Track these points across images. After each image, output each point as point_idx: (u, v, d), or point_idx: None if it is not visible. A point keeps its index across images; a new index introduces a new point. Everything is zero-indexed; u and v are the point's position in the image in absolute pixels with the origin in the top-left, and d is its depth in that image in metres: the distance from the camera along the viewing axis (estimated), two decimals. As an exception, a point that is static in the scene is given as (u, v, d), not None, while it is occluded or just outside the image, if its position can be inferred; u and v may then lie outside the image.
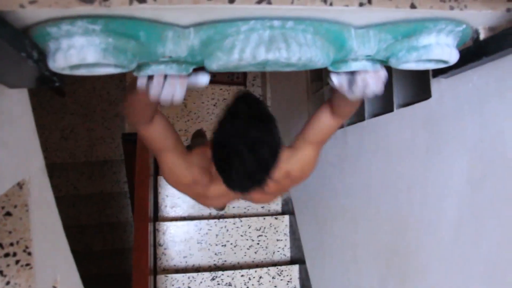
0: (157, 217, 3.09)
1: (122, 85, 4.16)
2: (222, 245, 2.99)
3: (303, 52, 0.79)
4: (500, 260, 0.99)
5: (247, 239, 3.01)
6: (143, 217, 2.44)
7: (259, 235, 3.02)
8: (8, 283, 0.93)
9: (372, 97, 1.00)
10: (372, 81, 0.94)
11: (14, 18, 0.68)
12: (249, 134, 1.08)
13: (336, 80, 0.99)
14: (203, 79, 0.90)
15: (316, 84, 2.50)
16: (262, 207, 3.22)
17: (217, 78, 3.84)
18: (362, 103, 1.76)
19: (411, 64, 0.91)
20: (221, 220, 2.99)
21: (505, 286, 0.98)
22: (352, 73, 0.97)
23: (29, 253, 0.95)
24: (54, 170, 3.98)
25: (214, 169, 1.18)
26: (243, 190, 1.20)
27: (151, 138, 1.21)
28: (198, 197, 1.52)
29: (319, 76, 2.46)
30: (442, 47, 0.86)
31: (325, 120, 1.29)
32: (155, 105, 1.08)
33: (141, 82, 0.89)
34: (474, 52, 0.96)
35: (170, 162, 1.30)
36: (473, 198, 1.08)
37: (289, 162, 1.36)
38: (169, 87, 0.87)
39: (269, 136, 1.11)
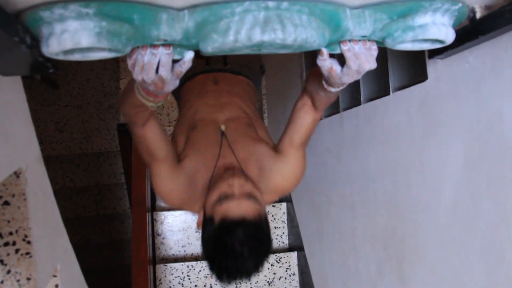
0: (154, 207, 3.09)
1: (116, 76, 4.14)
2: (220, 234, 2.99)
3: (299, 33, 0.78)
4: (497, 240, 1.00)
5: (245, 227, 3.01)
6: (141, 208, 2.44)
7: (257, 223, 3.03)
8: (9, 271, 0.93)
9: (365, 73, 0.97)
10: (365, 58, 0.92)
11: (5, 2, 0.67)
12: (246, 267, 1.14)
13: (326, 62, 0.95)
14: (188, 54, 0.87)
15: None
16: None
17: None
18: (357, 87, 1.76)
19: (407, 44, 0.90)
20: (218, 209, 2.99)
21: (502, 266, 0.99)
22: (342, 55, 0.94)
23: (29, 242, 0.95)
24: (49, 162, 3.97)
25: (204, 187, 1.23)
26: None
27: (144, 141, 1.17)
28: (183, 207, 1.42)
29: (314, 64, 2.46)
30: (438, 27, 0.85)
31: (308, 116, 1.23)
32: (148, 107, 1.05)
33: (130, 62, 0.86)
34: (470, 32, 0.96)
35: (160, 174, 1.24)
36: (470, 179, 1.09)
37: (279, 173, 1.29)
38: (151, 55, 0.83)
39: (265, 255, 1.19)
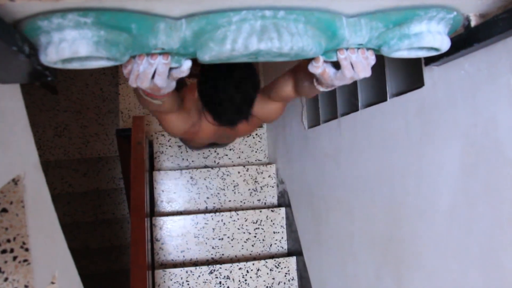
0: (153, 212, 3.09)
1: (115, 81, 4.15)
2: (219, 239, 2.99)
3: (295, 41, 0.79)
4: (493, 244, 1.01)
5: (244, 232, 3.02)
6: (140, 213, 2.44)
7: (256, 228, 3.03)
8: (6, 279, 0.93)
9: (360, 79, 0.98)
10: (362, 67, 0.93)
11: (3, 12, 0.67)
12: (234, 75, 1.29)
13: (320, 67, 0.96)
14: (186, 63, 0.89)
15: (309, 76, 2.50)
16: (258, 200, 3.23)
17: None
18: (355, 93, 1.76)
19: (403, 52, 0.91)
20: (217, 213, 2.99)
21: (498, 269, 0.99)
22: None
23: (27, 249, 0.95)
24: (48, 168, 3.97)
25: (204, 110, 1.42)
26: (232, 124, 1.41)
27: (160, 111, 1.32)
28: (190, 138, 1.69)
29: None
30: (433, 35, 0.86)
31: (287, 91, 1.38)
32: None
33: (125, 71, 0.88)
34: (465, 39, 0.97)
35: (172, 121, 1.44)
36: (466, 184, 1.09)
37: (259, 107, 1.52)
38: (147, 64, 0.85)
39: (250, 74, 1.34)
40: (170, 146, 3.31)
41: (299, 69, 1.27)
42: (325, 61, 0.96)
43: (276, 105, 1.57)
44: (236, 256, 3.01)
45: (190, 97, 1.55)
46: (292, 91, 1.37)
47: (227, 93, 1.30)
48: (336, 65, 0.97)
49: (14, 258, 0.95)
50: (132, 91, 3.71)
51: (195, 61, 0.89)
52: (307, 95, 1.32)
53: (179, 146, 3.31)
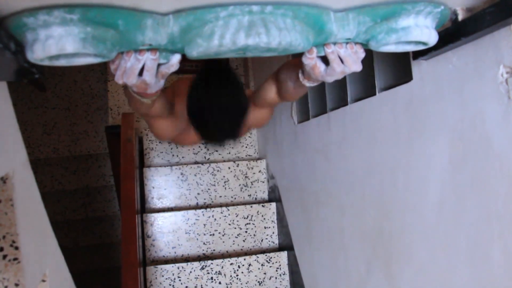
0: (144, 209, 3.08)
1: (103, 77, 4.12)
2: (211, 235, 3.00)
3: (283, 36, 0.79)
4: (481, 238, 1.02)
5: (235, 228, 3.02)
6: (130, 210, 2.43)
7: (247, 223, 3.04)
8: (-5, 278, 0.92)
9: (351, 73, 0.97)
10: (352, 60, 0.93)
11: (-11, 9, 0.67)
12: (222, 101, 1.23)
13: (312, 61, 0.96)
14: (175, 57, 0.88)
15: (299, 71, 2.50)
16: (249, 196, 3.24)
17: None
18: (344, 88, 1.77)
19: (390, 46, 0.91)
20: (208, 209, 2.99)
21: (486, 262, 1.00)
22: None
23: (16, 248, 0.95)
24: (37, 166, 3.94)
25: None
26: (219, 145, 1.41)
27: (150, 115, 1.32)
28: (179, 142, 1.70)
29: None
30: (421, 29, 0.87)
31: (271, 97, 1.38)
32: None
33: (112, 67, 0.87)
34: (453, 33, 0.97)
35: (161, 126, 1.44)
36: (455, 178, 1.10)
37: (248, 117, 1.44)
38: (134, 60, 0.84)
39: (238, 98, 1.27)
40: (160, 142, 3.30)
41: (280, 71, 1.27)
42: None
43: (264, 111, 1.56)
44: (227, 251, 3.02)
45: (180, 101, 1.51)
46: (276, 95, 1.36)
47: (215, 120, 1.26)
48: (325, 61, 0.97)
49: (4, 256, 0.94)
50: (121, 88, 3.69)
51: (184, 56, 0.89)
52: (292, 98, 1.32)
53: (169, 142, 3.30)
